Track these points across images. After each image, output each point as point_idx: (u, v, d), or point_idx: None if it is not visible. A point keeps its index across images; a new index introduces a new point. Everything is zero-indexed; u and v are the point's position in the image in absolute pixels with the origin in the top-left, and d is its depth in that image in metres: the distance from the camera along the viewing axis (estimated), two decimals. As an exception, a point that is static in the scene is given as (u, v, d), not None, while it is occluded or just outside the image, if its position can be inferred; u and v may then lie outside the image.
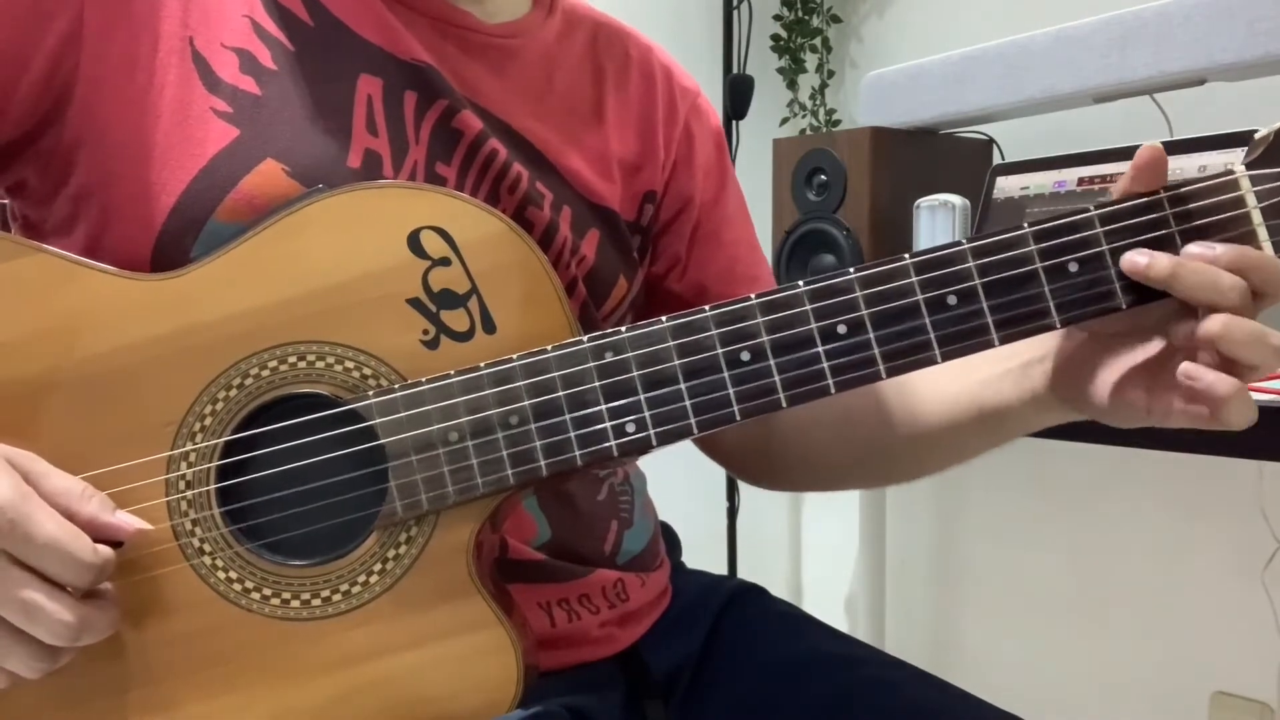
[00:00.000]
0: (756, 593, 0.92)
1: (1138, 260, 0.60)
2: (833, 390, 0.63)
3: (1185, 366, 0.59)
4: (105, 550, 0.59)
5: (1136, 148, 0.63)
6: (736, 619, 0.89)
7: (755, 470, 0.93)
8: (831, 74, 2.17)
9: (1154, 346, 0.64)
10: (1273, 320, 0.59)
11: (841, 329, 0.62)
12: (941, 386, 0.77)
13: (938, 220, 1.57)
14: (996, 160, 1.76)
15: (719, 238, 0.90)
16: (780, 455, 0.89)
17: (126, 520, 0.61)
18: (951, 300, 0.62)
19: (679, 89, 0.90)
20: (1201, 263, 0.59)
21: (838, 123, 2.17)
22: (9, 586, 0.56)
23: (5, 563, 0.57)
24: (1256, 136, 0.61)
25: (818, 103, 2.18)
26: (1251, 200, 0.61)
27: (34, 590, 0.57)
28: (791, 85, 2.19)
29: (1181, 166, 1.25)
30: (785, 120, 2.19)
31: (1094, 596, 1.84)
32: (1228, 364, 0.59)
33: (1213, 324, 0.58)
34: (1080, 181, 1.48)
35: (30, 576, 0.57)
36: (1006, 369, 0.72)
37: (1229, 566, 1.64)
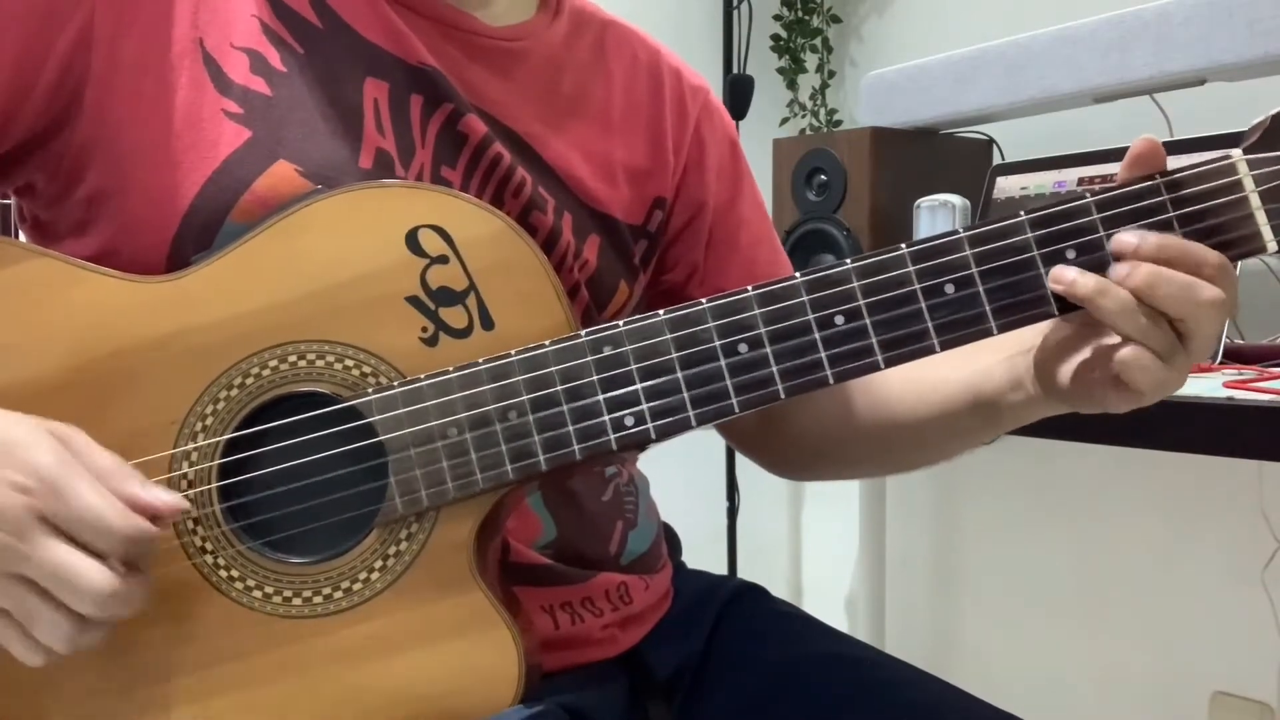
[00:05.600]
0: (757, 593, 0.93)
1: (1065, 274, 0.61)
2: (831, 381, 0.63)
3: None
4: (144, 522, 0.59)
5: (1136, 147, 0.63)
6: (737, 619, 0.89)
7: (769, 456, 0.93)
8: (832, 74, 2.17)
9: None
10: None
11: (839, 319, 0.62)
12: (943, 374, 0.77)
13: (938, 220, 1.57)
14: (996, 160, 1.77)
15: (735, 241, 0.89)
16: (794, 442, 0.89)
17: (161, 497, 0.60)
18: (949, 289, 0.62)
19: (689, 88, 0.89)
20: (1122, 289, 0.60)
21: (838, 123, 2.17)
22: (41, 550, 0.56)
23: (42, 528, 0.57)
24: (1254, 122, 0.61)
25: (818, 103, 2.18)
26: (1249, 184, 0.61)
27: (66, 553, 0.57)
28: (791, 85, 2.19)
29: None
30: (785, 120, 2.20)
31: (1094, 596, 1.84)
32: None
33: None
34: (1080, 181, 1.49)
35: (64, 542, 0.57)
36: (1001, 359, 0.73)
37: (1229, 567, 1.64)
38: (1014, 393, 0.72)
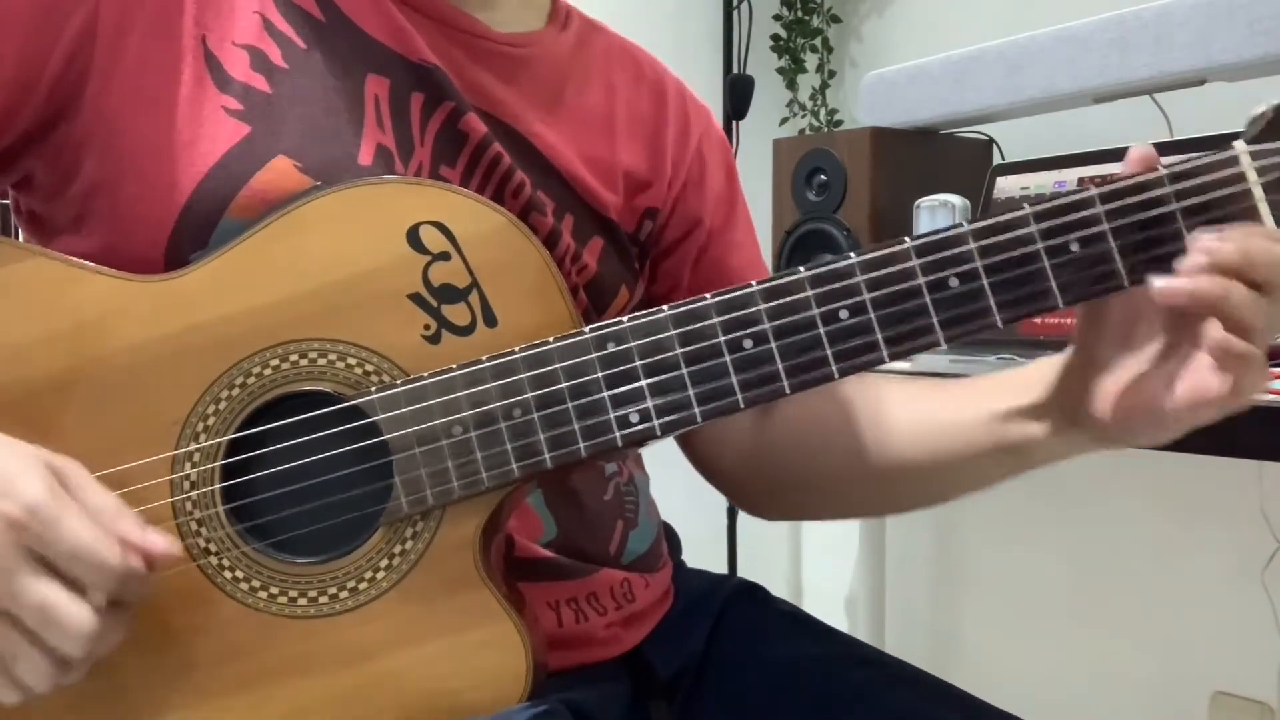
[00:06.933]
0: (757, 592, 0.93)
1: (1155, 283, 0.59)
2: (836, 375, 0.62)
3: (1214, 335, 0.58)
4: (137, 560, 0.58)
5: (1136, 148, 0.63)
6: (738, 619, 0.89)
7: (754, 492, 0.90)
8: (832, 74, 2.17)
9: (1149, 351, 0.63)
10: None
11: (843, 313, 0.62)
12: (961, 417, 0.75)
13: (938, 220, 1.57)
14: (996, 160, 1.76)
15: (724, 264, 0.89)
16: (778, 475, 0.87)
17: (156, 541, 0.59)
18: (954, 282, 0.62)
19: (693, 108, 0.90)
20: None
21: (838, 123, 2.17)
22: (29, 587, 0.56)
23: (30, 564, 0.56)
24: (1255, 114, 0.61)
25: (818, 103, 2.18)
26: (1252, 176, 0.60)
27: (54, 593, 0.56)
28: (791, 85, 2.19)
29: (1181, 166, 1.25)
30: (785, 120, 2.20)
31: (1094, 596, 1.84)
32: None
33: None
34: (1080, 182, 1.48)
35: (52, 580, 0.56)
36: (1027, 403, 0.70)
37: (1229, 567, 1.64)
38: (1050, 436, 0.70)
